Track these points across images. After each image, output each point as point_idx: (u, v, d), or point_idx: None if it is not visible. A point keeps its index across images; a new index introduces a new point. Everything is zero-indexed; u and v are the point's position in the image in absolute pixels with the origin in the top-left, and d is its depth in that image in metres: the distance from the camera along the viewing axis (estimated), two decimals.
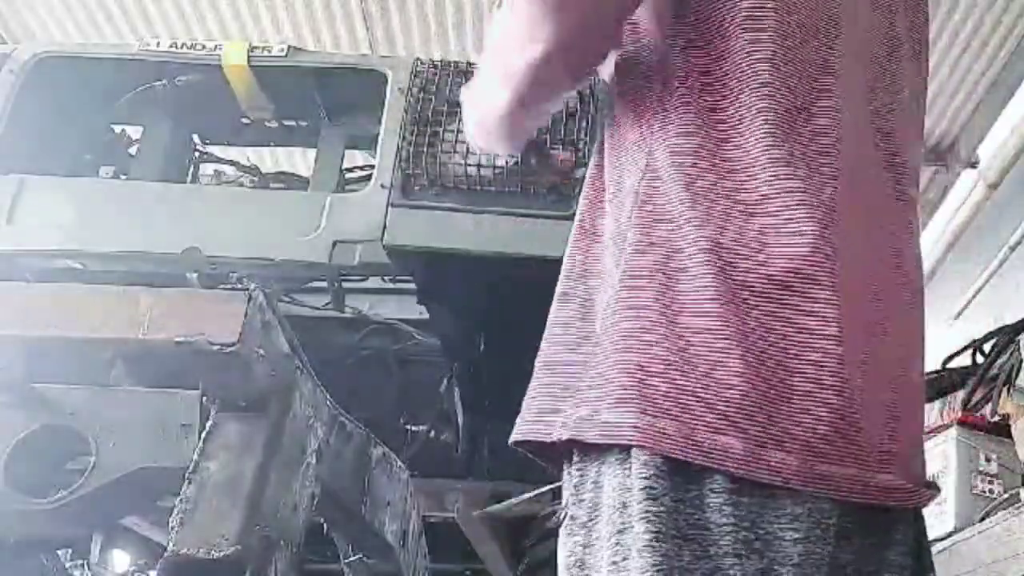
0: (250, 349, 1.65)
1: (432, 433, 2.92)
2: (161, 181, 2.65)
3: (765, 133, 1.10)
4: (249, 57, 2.53)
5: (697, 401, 1.03)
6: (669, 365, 1.04)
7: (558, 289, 1.21)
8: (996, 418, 2.66)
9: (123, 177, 2.80)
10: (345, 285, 2.63)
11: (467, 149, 2.27)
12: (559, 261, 1.25)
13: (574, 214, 1.28)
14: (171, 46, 2.59)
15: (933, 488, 1.19)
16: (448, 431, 2.97)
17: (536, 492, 2.66)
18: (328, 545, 2.43)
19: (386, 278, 2.69)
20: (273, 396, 1.75)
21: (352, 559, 2.37)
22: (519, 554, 3.03)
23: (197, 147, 2.95)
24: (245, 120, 2.81)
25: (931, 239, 5.73)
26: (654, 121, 1.15)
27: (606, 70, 1.26)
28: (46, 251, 2.35)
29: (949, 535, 2.47)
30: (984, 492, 2.53)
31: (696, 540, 1.01)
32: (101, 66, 2.63)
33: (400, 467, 2.38)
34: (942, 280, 5.75)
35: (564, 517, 1.12)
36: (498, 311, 2.59)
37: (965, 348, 3.14)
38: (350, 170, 2.84)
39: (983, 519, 2.40)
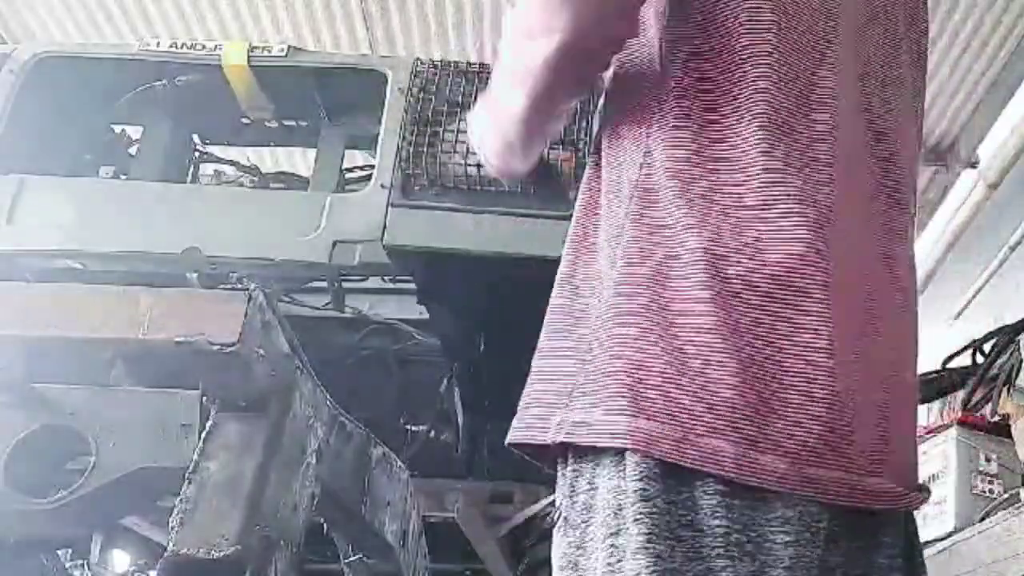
0: (250, 349, 1.65)
1: (432, 433, 2.92)
2: (161, 181, 2.65)
3: (761, 137, 1.10)
4: (249, 57, 2.53)
5: (690, 404, 1.03)
6: (662, 368, 1.04)
7: (554, 290, 1.21)
8: (996, 418, 2.66)
9: (123, 177, 2.80)
10: (345, 285, 2.63)
11: (467, 149, 2.27)
12: (559, 261, 1.25)
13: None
14: (171, 46, 2.59)
15: (924, 491, 1.19)
16: (448, 431, 2.98)
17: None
18: (328, 545, 2.43)
19: (386, 278, 2.69)
20: (273, 396, 1.75)
21: (352, 559, 2.37)
22: (519, 554, 3.03)
23: (197, 147, 2.95)
24: (245, 120, 2.81)
25: (931, 239, 5.73)
26: (651, 121, 1.15)
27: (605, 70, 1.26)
28: (46, 251, 2.35)
29: (949, 535, 2.47)
30: (984, 492, 2.53)
31: (689, 542, 1.01)
32: (101, 66, 2.64)
33: (400, 467, 2.38)
34: (942, 280, 5.75)
35: (558, 518, 1.12)
36: (498, 311, 2.59)
37: (965, 348, 3.14)
38: (350, 170, 2.84)
39: (983, 519, 2.39)
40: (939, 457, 2.62)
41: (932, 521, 2.55)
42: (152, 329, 1.64)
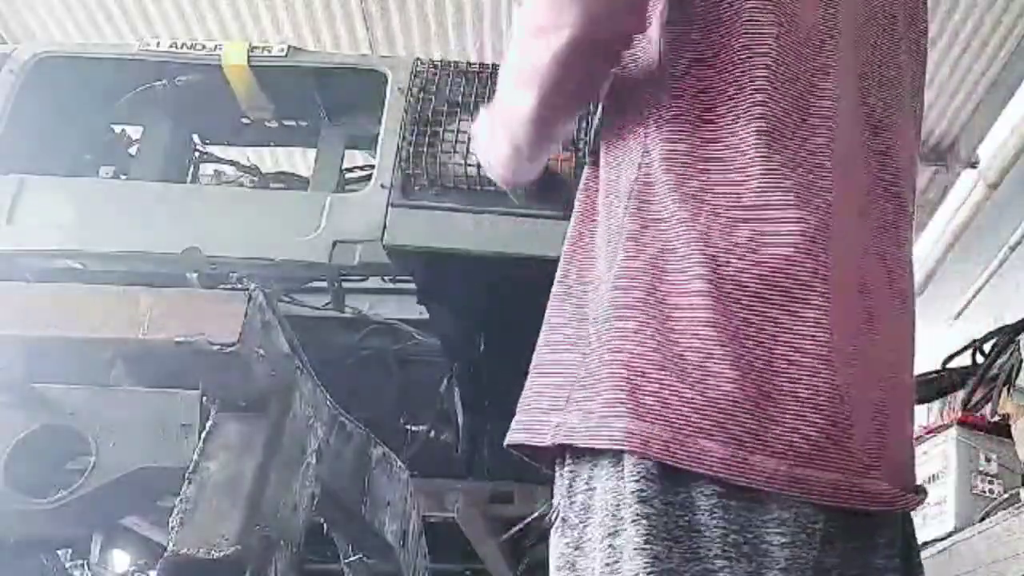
0: (250, 349, 1.65)
1: (432, 433, 2.91)
2: (161, 181, 2.65)
3: (759, 138, 1.10)
4: (249, 57, 2.53)
5: (686, 406, 1.03)
6: (659, 369, 1.04)
7: (553, 291, 1.21)
8: (996, 418, 2.66)
9: (123, 177, 2.80)
10: (345, 285, 2.63)
11: (467, 149, 2.27)
12: (559, 261, 1.25)
13: None
14: (171, 46, 2.59)
15: (921, 493, 1.19)
16: (448, 431, 2.98)
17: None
18: (328, 545, 2.43)
19: (386, 278, 2.69)
20: (273, 396, 1.75)
21: (352, 559, 2.37)
22: (519, 554, 3.03)
23: (197, 147, 2.95)
24: (245, 120, 2.81)
25: (931, 239, 5.73)
26: (650, 122, 1.15)
27: None
28: (46, 251, 2.35)
29: (949, 535, 2.47)
30: (984, 492, 2.53)
31: (687, 543, 1.01)
32: (101, 66, 2.64)
33: (400, 467, 2.38)
34: (942, 280, 5.75)
35: (555, 519, 1.12)
36: (498, 311, 2.59)
37: (965, 348, 3.14)
38: (350, 170, 2.84)
39: (983, 519, 2.39)
40: (939, 457, 2.62)
41: (932, 521, 2.55)
42: (152, 329, 1.64)
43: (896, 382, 1.17)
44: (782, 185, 1.09)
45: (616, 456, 1.05)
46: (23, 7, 4.85)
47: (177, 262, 2.19)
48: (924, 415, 3.07)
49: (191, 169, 2.94)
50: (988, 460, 2.57)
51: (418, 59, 2.48)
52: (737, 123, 1.11)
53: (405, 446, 2.84)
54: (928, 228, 5.77)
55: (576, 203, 1.26)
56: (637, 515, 1.01)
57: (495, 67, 2.43)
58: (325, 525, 2.25)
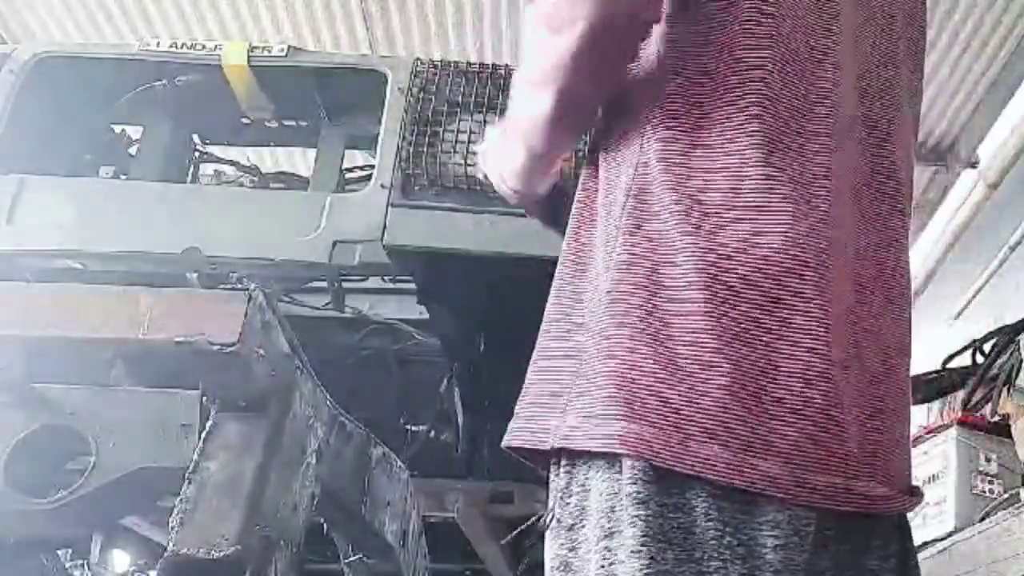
0: (250, 349, 1.65)
1: (432, 433, 2.91)
2: (161, 181, 2.65)
3: (757, 138, 1.10)
4: (249, 57, 2.53)
5: (682, 409, 1.03)
6: (656, 372, 1.04)
7: (551, 293, 1.21)
8: (996, 418, 2.66)
9: (123, 177, 2.80)
10: (345, 285, 2.63)
11: (467, 149, 2.27)
12: (558, 261, 1.25)
13: None
14: (171, 46, 2.59)
15: (917, 495, 1.19)
16: (448, 431, 2.97)
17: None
18: (328, 545, 2.43)
19: (386, 278, 2.69)
20: (273, 396, 1.75)
21: (352, 559, 2.37)
22: (519, 554, 3.03)
23: (197, 147, 2.95)
24: (245, 120, 2.81)
25: (931, 239, 5.73)
26: (648, 123, 1.15)
27: None
28: (46, 251, 2.35)
29: (949, 535, 2.47)
30: (984, 492, 2.53)
31: (682, 545, 1.01)
32: (101, 66, 2.64)
33: (400, 467, 2.38)
34: (942, 280, 5.75)
35: (550, 520, 1.12)
36: (498, 311, 2.59)
37: (965, 348, 3.14)
38: (350, 170, 2.84)
39: (983, 519, 2.39)
40: (939, 457, 2.62)
41: (932, 521, 2.55)
42: (152, 329, 1.64)
43: (892, 384, 1.17)
44: (780, 187, 1.08)
45: (612, 458, 1.05)
46: (23, 7, 4.85)
47: (177, 262, 2.19)
48: (924, 415, 3.07)
49: (191, 169, 2.94)
50: (988, 460, 2.57)
51: (418, 59, 2.48)
52: (735, 124, 1.11)
53: (405, 446, 2.84)
54: (928, 228, 5.77)
55: (575, 203, 1.25)
56: (633, 517, 1.01)
57: (495, 67, 2.43)
58: (325, 525, 2.25)
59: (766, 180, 1.08)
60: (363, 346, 2.78)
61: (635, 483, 1.02)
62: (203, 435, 1.69)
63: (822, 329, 1.06)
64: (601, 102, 1.21)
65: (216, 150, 3.05)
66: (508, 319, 2.22)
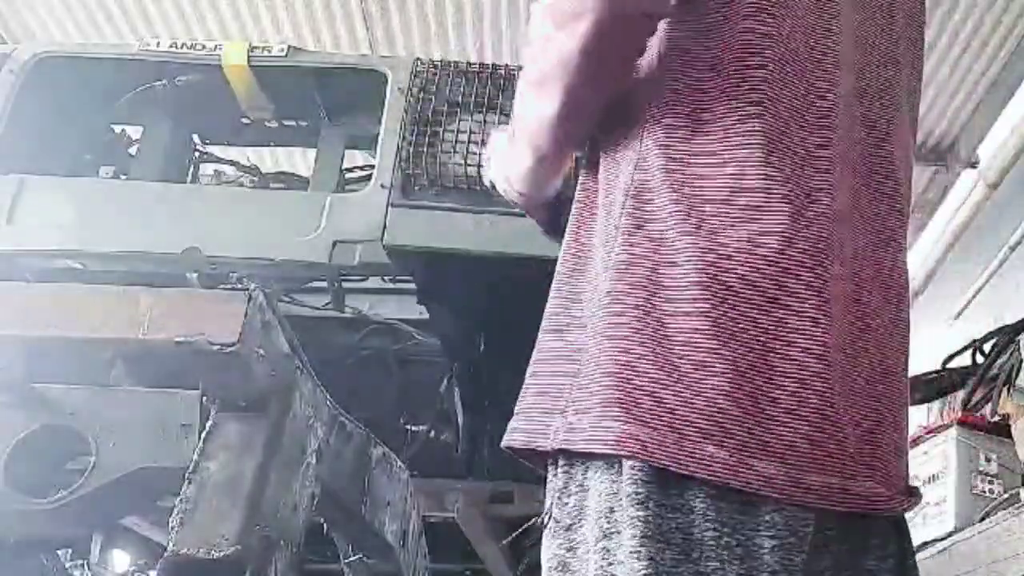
0: (250, 349, 1.65)
1: (432, 433, 2.91)
2: (161, 181, 2.65)
3: (757, 138, 1.10)
4: (249, 57, 2.53)
5: (679, 409, 1.03)
6: (654, 373, 1.04)
7: (551, 292, 1.21)
8: (996, 418, 2.66)
9: (123, 177, 2.80)
10: (345, 285, 2.63)
11: (467, 149, 2.27)
12: (558, 261, 1.25)
13: None
14: (171, 46, 2.59)
15: (916, 495, 1.19)
16: (448, 431, 2.97)
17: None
18: (328, 545, 2.43)
19: (386, 278, 2.69)
20: (273, 396, 1.75)
21: (352, 559, 2.37)
22: (519, 554, 3.03)
23: (197, 147, 2.95)
24: (245, 120, 2.81)
25: (931, 239, 5.73)
26: (647, 123, 1.15)
27: None
28: (46, 251, 2.35)
29: (949, 535, 2.47)
30: (984, 492, 2.53)
31: (680, 545, 1.01)
32: (101, 66, 2.64)
33: (400, 467, 2.38)
34: (942, 280, 5.75)
35: (548, 520, 1.11)
36: (498, 311, 2.59)
37: (965, 348, 3.14)
38: (350, 170, 2.84)
39: (983, 519, 2.40)
40: (939, 457, 2.62)
41: (932, 521, 2.55)
42: (152, 329, 1.64)
43: (890, 384, 1.17)
44: (779, 187, 1.08)
45: (611, 459, 1.05)
46: (23, 7, 4.85)
47: (177, 262, 2.19)
48: (924, 415, 3.07)
49: (191, 169, 2.94)
50: (988, 460, 2.57)
51: (418, 59, 2.48)
52: (735, 124, 1.10)
53: (405, 446, 2.84)
54: (928, 228, 5.77)
55: (575, 203, 1.25)
56: (632, 518, 1.01)
57: (495, 67, 2.43)
58: (325, 525, 2.25)
59: (765, 180, 1.08)
60: (363, 346, 2.78)
61: (634, 483, 1.02)
62: (203, 435, 1.69)
63: (818, 329, 1.06)
64: (608, 100, 1.20)
65: (216, 150, 3.05)
66: (508, 319, 2.22)
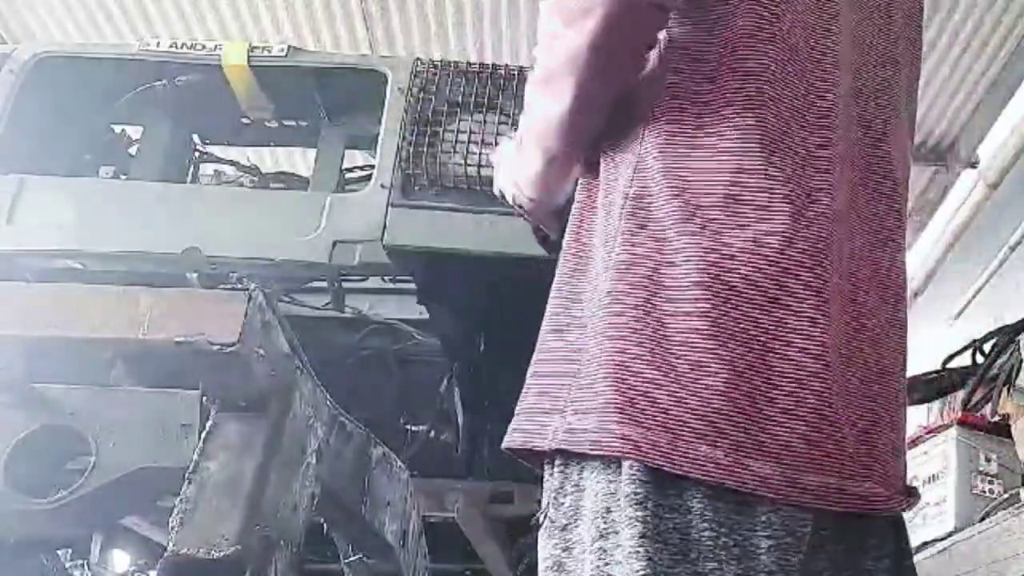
0: (250, 349, 1.65)
1: (432, 433, 2.91)
2: (161, 181, 2.65)
3: (757, 139, 1.09)
4: (249, 57, 2.53)
5: (675, 409, 1.03)
6: (653, 374, 1.04)
7: (551, 293, 1.21)
8: (996, 418, 2.66)
9: (123, 177, 2.80)
10: (345, 285, 2.63)
11: (467, 149, 2.27)
12: (558, 261, 1.25)
13: None
14: (171, 46, 2.59)
15: (914, 495, 1.19)
16: (448, 431, 2.97)
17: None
18: (328, 545, 2.43)
19: (386, 278, 2.69)
20: (273, 396, 1.75)
21: (352, 559, 2.37)
22: (519, 554, 3.03)
23: (197, 147, 2.95)
24: (245, 120, 2.81)
25: (931, 239, 5.73)
26: (647, 123, 1.15)
27: None
28: (46, 251, 2.35)
29: (949, 535, 2.47)
30: (984, 492, 2.53)
31: (678, 545, 1.01)
32: (101, 66, 2.64)
33: (400, 467, 2.38)
34: (942, 280, 5.75)
35: (544, 519, 1.11)
36: (498, 311, 2.59)
37: (965, 348, 3.14)
38: (350, 170, 2.85)
39: (983, 519, 2.39)
40: (939, 457, 2.62)
41: (932, 521, 2.55)
42: (152, 329, 1.64)
43: (887, 384, 1.17)
44: (779, 187, 1.09)
45: (608, 459, 1.05)
46: (23, 7, 4.85)
47: (177, 262, 2.19)
48: (924, 415, 3.07)
49: (191, 169, 2.94)
50: (988, 460, 2.57)
51: (418, 59, 2.48)
52: (735, 124, 1.10)
53: (405, 446, 2.84)
54: (928, 228, 5.76)
55: (575, 203, 1.25)
56: (631, 518, 1.01)
57: (495, 67, 2.43)
58: (325, 525, 2.25)
59: (767, 180, 1.08)
60: (363, 346, 2.79)
61: (632, 484, 1.02)
62: (203, 435, 1.69)
63: (817, 330, 1.06)
64: (616, 97, 1.19)
65: (216, 150, 3.05)
66: (508, 319, 2.22)
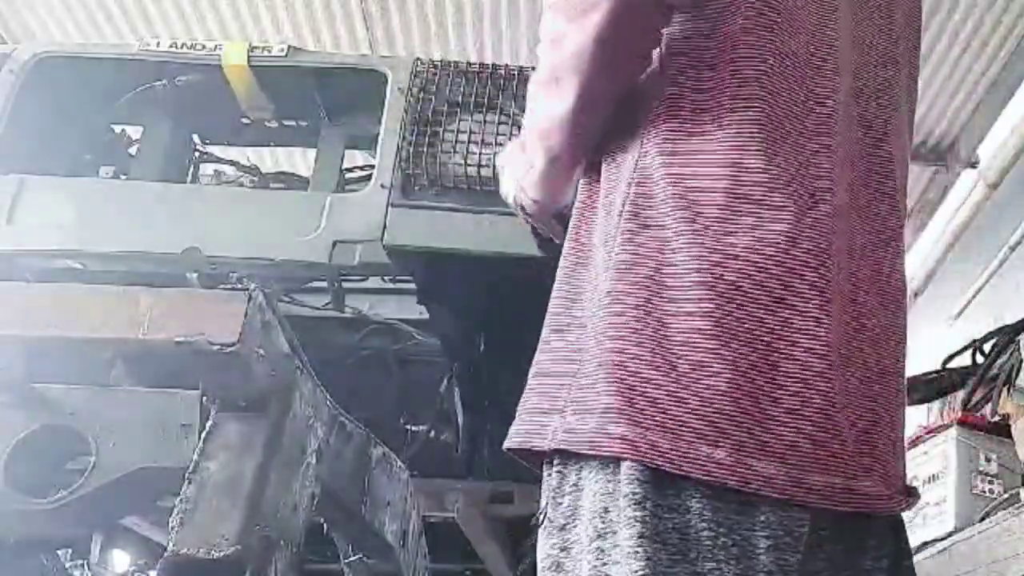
0: (250, 349, 1.65)
1: (432, 433, 2.92)
2: (161, 181, 2.65)
3: (758, 139, 1.09)
4: (249, 57, 2.53)
5: (675, 410, 1.03)
6: (652, 374, 1.04)
7: (553, 293, 1.21)
8: (996, 418, 2.66)
9: (123, 177, 2.80)
10: (345, 285, 2.63)
11: (467, 149, 2.27)
12: (558, 261, 1.25)
13: None
14: (171, 46, 2.59)
15: (914, 495, 1.19)
16: (448, 431, 2.98)
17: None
18: (328, 545, 2.43)
19: (386, 278, 2.69)
20: (273, 396, 1.75)
21: (352, 559, 2.37)
22: (519, 554, 3.03)
23: (197, 147, 2.95)
24: (245, 120, 2.81)
25: (931, 239, 5.73)
26: (648, 123, 1.14)
27: None
28: (46, 251, 2.35)
29: (949, 535, 2.47)
30: (984, 492, 2.53)
31: (677, 545, 1.01)
32: (101, 66, 2.64)
33: (400, 467, 2.38)
34: (942, 280, 5.75)
35: (542, 519, 1.11)
36: (498, 311, 2.59)
37: (965, 348, 3.14)
38: (350, 170, 2.85)
39: (983, 519, 2.39)
40: (939, 457, 2.62)
41: (932, 521, 2.55)
42: (152, 329, 1.64)
43: (886, 384, 1.17)
44: (781, 186, 1.08)
45: (606, 459, 1.05)
46: (23, 7, 4.85)
47: (177, 262, 2.19)
48: (924, 415, 3.07)
49: (191, 169, 2.94)
50: (988, 460, 2.57)
51: (418, 59, 2.48)
52: (737, 124, 1.10)
53: (405, 446, 2.84)
54: (928, 228, 5.76)
55: (576, 203, 1.25)
56: (630, 518, 1.01)
57: (495, 67, 2.43)
58: (325, 525, 2.25)
59: (768, 180, 1.08)
60: (363, 346, 2.79)
61: (631, 484, 1.02)
62: (203, 435, 1.69)
63: (821, 329, 1.06)
64: (619, 95, 1.18)
65: (216, 150, 3.05)
66: (508, 319, 2.22)
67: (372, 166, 2.48)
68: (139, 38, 3.57)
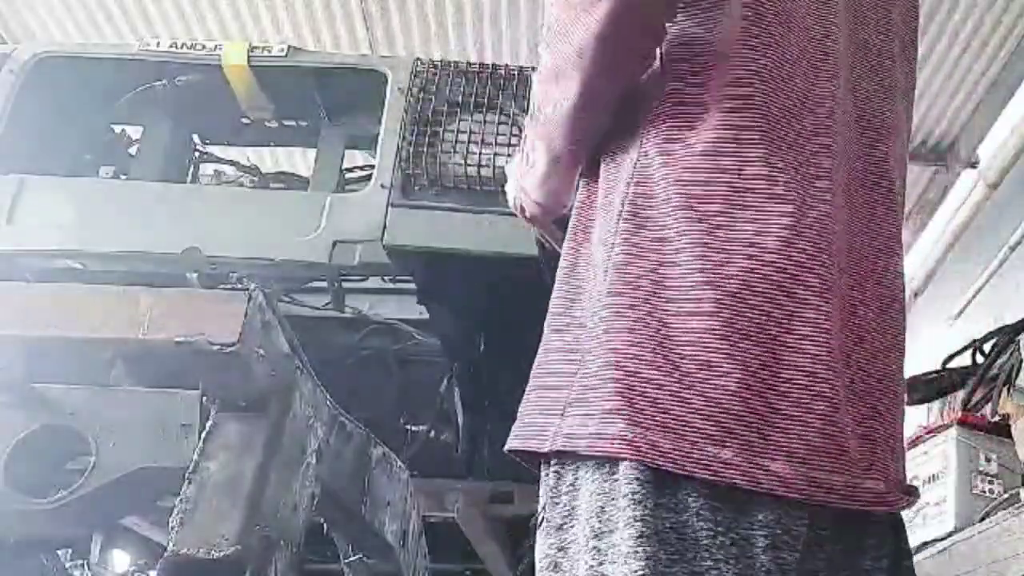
0: (250, 349, 1.65)
1: (432, 433, 2.92)
2: (161, 181, 2.65)
3: (758, 138, 1.09)
4: (249, 57, 2.53)
5: (677, 410, 1.03)
6: (653, 373, 1.04)
7: (553, 292, 1.21)
8: (996, 418, 2.65)
9: (123, 177, 2.80)
10: (345, 285, 2.63)
11: (467, 149, 2.27)
12: (558, 261, 1.25)
13: None
14: (171, 46, 2.59)
15: (913, 494, 1.19)
16: (448, 431, 2.98)
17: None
18: (328, 545, 2.43)
19: (386, 278, 2.69)
20: (273, 396, 1.75)
21: (352, 559, 2.37)
22: (519, 554, 3.03)
23: (197, 147, 2.96)
24: (245, 120, 2.81)
25: (931, 239, 5.73)
26: (647, 123, 1.14)
27: None
28: (46, 251, 2.35)
29: (949, 535, 2.47)
30: (984, 492, 2.53)
31: (675, 544, 1.01)
32: (101, 66, 2.64)
33: (400, 467, 2.38)
34: (942, 280, 5.75)
35: (541, 519, 1.11)
36: (498, 311, 2.59)
37: (965, 348, 3.14)
38: (350, 170, 2.85)
39: (983, 519, 2.39)
40: (939, 457, 2.62)
41: (932, 521, 2.55)
42: (152, 329, 1.64)
43: (887, 383, 1.17)
44: (780, 187, 1.08)
45: (604, 459, 1.04)
46: (23, 7, 4.85)
47: (177, 262, 2.19)
48: (924, 415, 3.07)
49: (191, 169, 2.94)
50: (988, 460, 2.57)
51: (418, 59, 2.49)
52: (735, 124, 1.10)
53: (405, 446, 2.84)
54: (928, 228, 5.77)
55: (575, 203, 1.25)
56: (629, 518, 1.01)
57: (495, 67, 2.43)
58: (325, 525, 2.25)
59: (767, 180, 1.08)
60: (363, 346, 2.79)
61: (630, 483, 1.01)
62: (203, 435, 1.69)
63: (826, 329, 1.06)
64: (622, 92, 1.18)
65: (216, 150, 3.05)
66: (508, 319, 2.22)
67: (372, 166, 2.48)
68: (139, 38, 3.57)
